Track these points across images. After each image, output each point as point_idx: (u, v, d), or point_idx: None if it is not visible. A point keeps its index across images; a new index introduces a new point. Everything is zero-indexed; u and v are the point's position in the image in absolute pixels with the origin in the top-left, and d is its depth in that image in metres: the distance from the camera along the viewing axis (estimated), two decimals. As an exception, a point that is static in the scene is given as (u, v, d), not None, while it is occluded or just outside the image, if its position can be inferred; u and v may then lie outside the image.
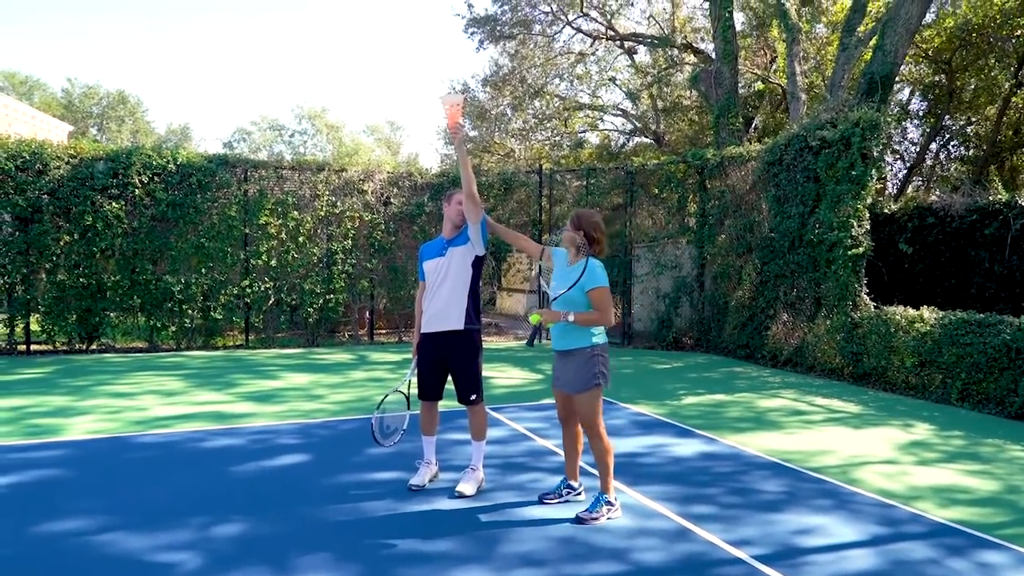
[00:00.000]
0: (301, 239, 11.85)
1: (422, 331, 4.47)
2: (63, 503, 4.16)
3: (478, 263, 4.42)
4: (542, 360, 10.68)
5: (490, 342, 12.75)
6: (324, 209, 12.04)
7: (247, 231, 11.51)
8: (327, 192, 12.09)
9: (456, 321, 4.35)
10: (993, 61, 17.27)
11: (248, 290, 11.49)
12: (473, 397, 4.41)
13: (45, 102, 44.90)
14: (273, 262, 11.66)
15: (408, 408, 4.74)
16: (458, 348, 4.38)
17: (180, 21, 78.14)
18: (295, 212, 11.81)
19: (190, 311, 11.12)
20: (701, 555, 3.57)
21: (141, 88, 76.50)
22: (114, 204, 10.55)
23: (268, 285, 11.64)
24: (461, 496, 4.32)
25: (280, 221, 11.70)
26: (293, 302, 11.94)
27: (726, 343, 11.06)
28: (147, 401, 7.13)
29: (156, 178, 10.86)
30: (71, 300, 10.47)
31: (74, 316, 10.56)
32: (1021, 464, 5.37)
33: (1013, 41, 16.53)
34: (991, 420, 6.90)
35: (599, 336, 4.00)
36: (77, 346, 10.79)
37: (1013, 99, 17.44)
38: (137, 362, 9.87)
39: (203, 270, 11.17)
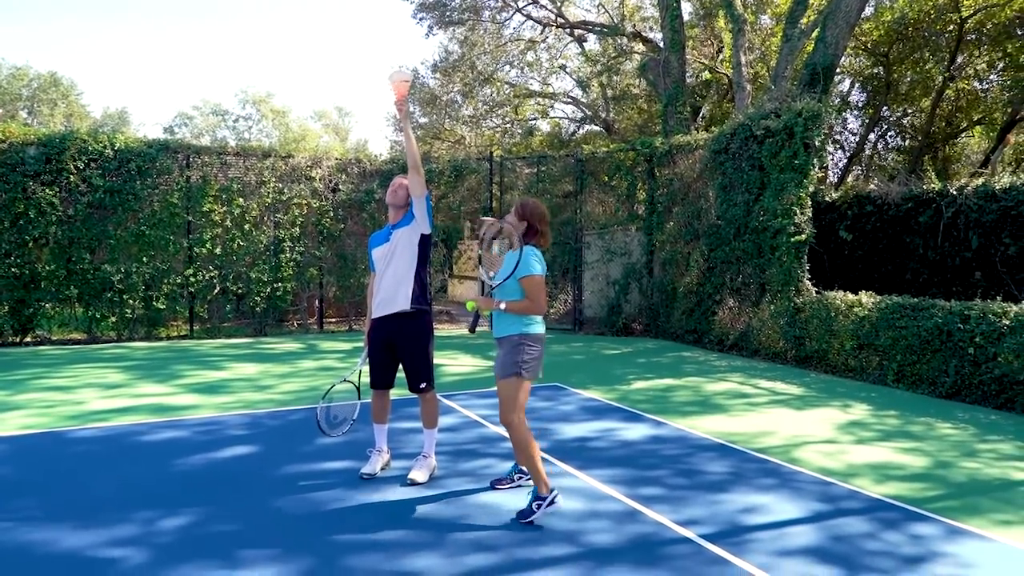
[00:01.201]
0: (247, 227, 11.58)
1: (372, 317, 4.42)
2: (-4, 501, 4.00)
3: (424, 242, 4.37)
4: (492, 348, 10.68)
5: (441, 329, 12.71)
6: (271, 196, 11.79)
7: (190, 218, 11.19)
8: (274, 179, 11.84)
9: (403, 302, 4.29)
10: (928, 55, 17.90)
11: (192, 279, 11.19)
12: (423, 385, 4.40)
13: (-31, 83, 42.64)
14: (218, 250, 11.37)
15: (359, 398, 4.71)
16: (406, 331, 4.34)
17: (115, 1, 74.98)
18: (240, 199, 11.53)
19: (131, 301, 10.77)
20: (650, 535, 3.65)
21: (75, 70, 73.24)
22: (47, 191, 10.12)
23: (213, 274, 11.35)
24: (413, 484, 4.32)
25: (225, 208, 11.41)
26: (239, 291, 11.68)
27: (674, 328, 11.27)
28: (86, 395, 6.89)
29: (93, 164, 10.45)
30: (2, 291, 10.02)
31: (6, 307, 10.11)
32: (950, 441, 5.63)
33: (946, 35, 17.15)
34: (924, 400, 7.21)
35: (532, 326, 3.90)
36: (10, 339, 10.35)
37: (946, 92, 18.11)
38: (75, 354, 9.52)
39: (144, 259, 10.83)
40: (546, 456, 4.98)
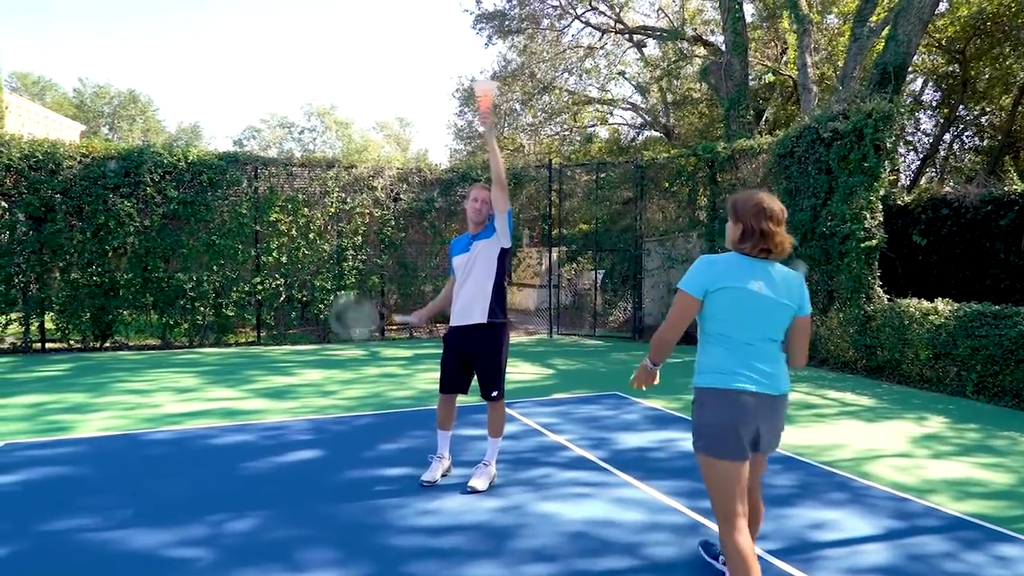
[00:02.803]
0: (312, 236, 11.89)
1: (451, 324, 4.46)
2: (75, 499, 4.19)
3: (503, 256, 4.38)
4: (553, 355, 10.67)
5: (501, 337, 12.73)
6: (334, 206, 12.07)
7: (258, 228, 11.56)
8: (337, 189, 12.12)
9: (480, 315, 4.32)
10: (1008, 50, 17.05)
11: (259, 287, 11.54)
12: (495, 393, 4.40)
13: (57, 102, 45.23)
14: (284, 259, 11.70)
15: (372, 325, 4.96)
16: (481, 342, 4.36)
17: (188, 20, 78.48)
18: (305, 209, 11.84)
19: (202, 308, 11.18)
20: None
21: (152, 87, 76.87)
22: (126, 202, 10.62)
23: (279, 282, 11.69)
24: (473, 491, 4.33)
25: (291, 218, 11.74)
26: (304, 298, 11.99)
27: (738, 337, 10.98)
28: (161, 398, 7.18)
29: (167, 176, 10.92)
30: (84, 298, 10.55)
31: (88, 314, 10.64)
32: (1037, 457, 5.31)
33: (1028, 29, 16.30)
34: (1007, 413, 6.84)
35: (701, 375, 2.84)
36: (91, 344, 10.88)
37: (1028, 88, 17.20)
38: (151, 359, 9.94)
39: (214, 267, 11.23)
40: (606, 466, 4.93)
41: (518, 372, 9.05)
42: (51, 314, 10.66)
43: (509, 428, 5.95)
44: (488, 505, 4.15)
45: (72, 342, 10.90)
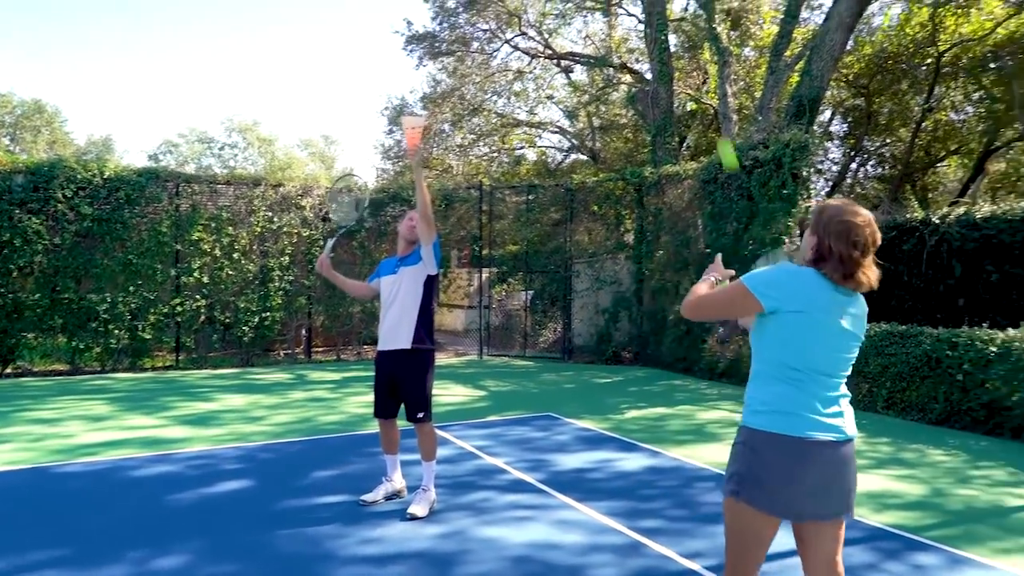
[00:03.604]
0: (236, 255, 11.52)
1: (378, 348, 4.50)
2: (-15, 539, 3.90)
3: (430, 282, 4.44)
4: (484, 376, 10.67)
5: (431, 359, 12.64)
6: (260, 225, 11.75)
7: (179, 247, 11.12)
8: (264, 207, 11.81)
9: (405, 340, 4.36)
10: (907, 86, 18.32)
11: (179, 308, 11.08)
12: (420, 415, 4.40)
13: (-49, 111, 42.39)
14: (206, 279, 11.29)
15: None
16: (406, 367, 4.39)
17: (99, 28, 75.19)
18: (230, 228, 11.48)
19: (116, 331, 10.63)
20: (654, 569, 3.62)
21: (59, 97, 73.08)
22: (34, 219, 10.02)
23: (200, 303, 11.25)
24: (413, 518, 4.27)
25: (214, 237, 11.35)
26: (227, 320, 11.58)
27: (664, 357, 11.29)
28: (73, 427, 6.77)
29: (81, 192, 10.38)
30: (-16, 321, 9.87)
31: (-13, 338, 9.95)
32: (943, 468, 5.66)
33: (924, 68, 17.58)
34: (914, 426, 7.26)
35: (759, 415, 2.37)
36: (-9, 370, 10.18)
37: (924, 122, 18.52)
38: (58, 386, 9.37)
39: (131, 288, 10.71)
40: (545, 488, 4.95)
41: (450, 394, 9.00)
42: (-54, 338, 9.92)
43: (445, 452, 5.90)
44: (430, 531, 4.09)
45: (-31, 368, 10.17)
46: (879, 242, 2.30)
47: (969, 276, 9.68)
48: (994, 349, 6.87)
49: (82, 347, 10.53)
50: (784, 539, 4.00)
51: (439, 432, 6.58)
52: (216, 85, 77.28)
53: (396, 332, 4.37)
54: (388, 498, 4.58)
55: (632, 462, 5.69)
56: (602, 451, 6.05)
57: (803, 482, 2.24)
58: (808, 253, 2.35)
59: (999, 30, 16.26)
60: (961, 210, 10.05)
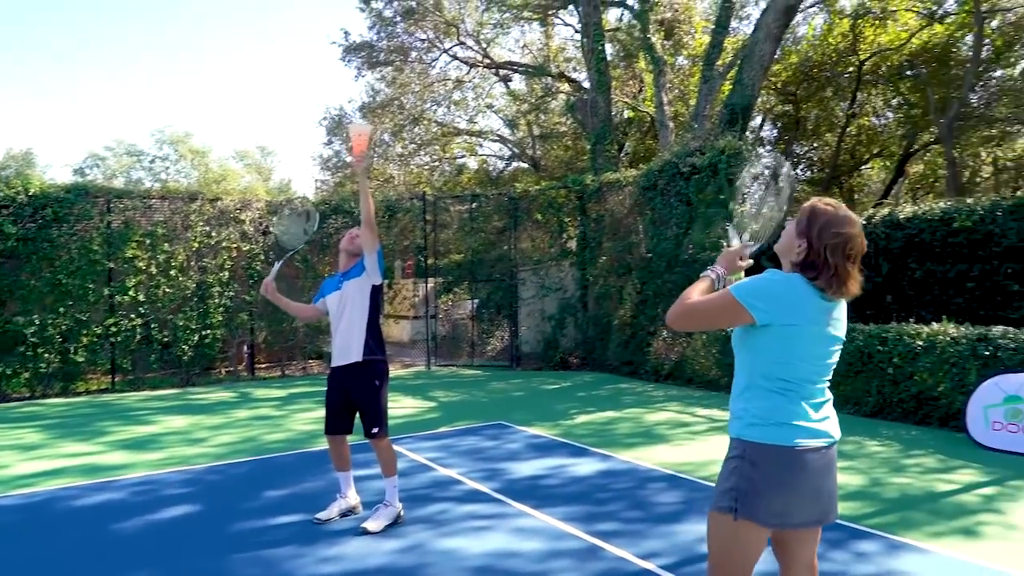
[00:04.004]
0: (173, 272, 11.18)
1: (331, 364, 4.47)
2: (-86, 581, 3.70)
3: (375, 293, 4.43)
4: (433, 387, 10.64)
5: (379, 371, 12.52)
6: (198, 240, 11.44)
7: (112, 265, 10.73)
8: (201, 222, 11.50)
9: (356, 353, 4.35)
10: (831, 93, 19.16)
11: (114, 328, 10.68)
12: (375, 430, 4.37)
13: None
14: (142, 297, 10.92)
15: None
16: (360, 380, 4.37)
17: (14, 34, 71.90)
18: (166, 244, 11.14)
19: (46, 355, 10.17)
20: (613, 571, 3.69)
21: (-27, 110, 69.49)
22: (-47, 240, 9.53)
23: (136, 322, 10.87)
24: (365, 532, 4.24)
25: (149, 254, 10.99)
26: (165, 339, 11.22)
27: (611, 361, 11.47)
28: (3, 458, 6.45)
29: (4, 211, 9.91)
30: (-100, 348, 9.31)
31: (-96, 366, 9.39)
32: (879, 458, 5.94)
33: (846, 76, 18.42)
34: (850, 419, 7.57)
35: (755, 427, 2.28)
36: (-91, 400, 9.60)
37: (848, 128, 19.39)
38: (-15, 414, 8.91)
39: (61, 309, 10.27)
40: (500, 497, 4.98)
41: (399, 406, 8.94)
42: None
43: (398, 465, 5.85)
44: (389, 546, 4.07)
45: None
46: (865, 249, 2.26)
47: (895, 274, 10.16)
48: (920, 343, 7.24)
49: (9, 372, 10.03)
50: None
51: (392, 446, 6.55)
52: (144, 95, 74.83)
53: (347, 346, 4.35)
54: (343, 515, 4.53)
55: (585, 467, 5.77)
56: (554, 457, 6.12)
57: (803, 491, 2.22)
58: (794, 255, 2.26)
59: (913, 40, 17.18)
60: (885, 211, 10.55)
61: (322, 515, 4.46)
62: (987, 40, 16.02)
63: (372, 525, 4.28)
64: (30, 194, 10.11)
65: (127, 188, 12.52)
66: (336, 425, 4.46)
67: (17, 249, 9.97)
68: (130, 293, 10.80)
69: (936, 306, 9.23)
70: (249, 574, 3.71)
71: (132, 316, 10.86)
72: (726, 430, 7.01)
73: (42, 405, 9.61)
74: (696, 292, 2.37)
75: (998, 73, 17.01)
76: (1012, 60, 17.00)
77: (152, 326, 11.06)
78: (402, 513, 4.47)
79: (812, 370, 2.25)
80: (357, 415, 4.45)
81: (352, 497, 4.60)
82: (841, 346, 2.31)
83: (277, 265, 4.79)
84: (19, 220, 10.02)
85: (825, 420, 2.28)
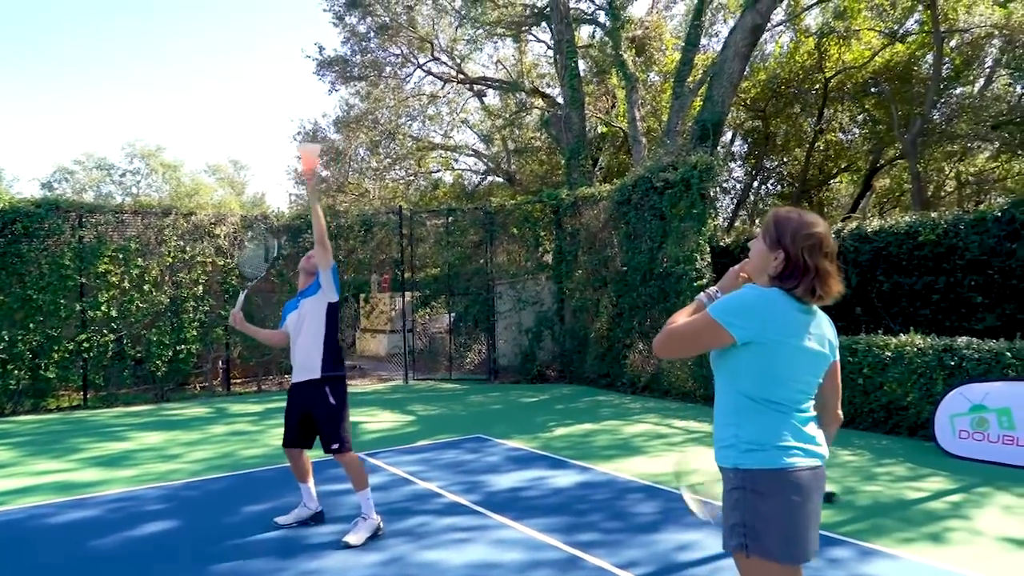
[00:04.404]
0: (147, 287, 11.06)
1: (292, 381, 4.58)
2: None
3: (332, 310, 4.53)
4: (411, 401, 10.63)
5: (355, 385, 12.48)
6: (172, 255, 11.34)
7: (84, 280, 10.59)
8: (175, 237, 11.41)
9: (315, 370, 4.44)
10: (799, 109, 19.60)
11: (86, 344, 10.52)
12: (335, 446, 4.41)
13: None
14: (114, 312, 10.78)
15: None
16: (317, 396, 4.45)
17: (-15, 50, 70.62)
18: (139, 259, 11.02)
19: (16, 371, 9.99)
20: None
21: (-64, 122, 68.01)
22: (-81, 255, 9.35)
23: (109, 338, 10.73)
24: (347, 546, 4.25)
25: (122, 269, 10.87)
26: (138, 354, 11.07)
27: (588, 373, 11.56)
28: (-28, 477, 6.33)
29: (-29, 226, 9.77)
30: None
31: None
32: (851, 467, 6.07)
33: (813, 93, 18.87)
34: (823, 430, 7.72)
35: (751, 454, 2.16)
36: None
37: (816, 143, 19.84)
38: (-49, 433, 8.71)
39: (31, 325, 10.10)
40: (480, 509, 5.01)
41: (377, 421, 8.92)
42: None
43: (377, 479, 5.87)
44: (369, 559, 4.08)
45: None
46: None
47: (864, 286, 10.40)
48: (889, 354, 7.42)
49: (-24, 390, 9.84)
50: (714, 542, 4.20)
51: (370, 460, 6.56)
52: (114, 109, 73.90)
53: (305, 363, 4.45)
54: (301, 522, 4.65)
55: (564, 479, 5.83)
56: (533, 470, 6.16)
57: (810, 515, 2.09)
58: (771, 269, 2.19)
59: (877, 59, 17.67)
60: (854, 224, 10.80)
61: (280, 519, 4.67)
62: (947, 59, 16.54)
63: (353, 539, 4.29)
64: None
65: (98, 203, 12.35)
66: (293, 439, 4.57)
67: (-14, 264, 9.80)
68: (102, 308, 10.67)
69: (904, 317, 9.47)
70: (230, 590, 3.70)
71: (105, 331, 10.72)
72: (702, 441, 7.13)
73: (12, 422, 9.43)
74: (682, 315, 2.30)
75: (958, 90, 17.55)
76: (971, 78, 17.56)
77: (125, 341, 10.93)
78: (382, 525, 4.49)
79: (797, 387, 2.16)
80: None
81: (313, 505, 4.73)
82: (827, 364, 2.23)
83: (242, 296, 4.85)
84: (-12, 235, 9.86)
85: (814, 439, 2.18)
